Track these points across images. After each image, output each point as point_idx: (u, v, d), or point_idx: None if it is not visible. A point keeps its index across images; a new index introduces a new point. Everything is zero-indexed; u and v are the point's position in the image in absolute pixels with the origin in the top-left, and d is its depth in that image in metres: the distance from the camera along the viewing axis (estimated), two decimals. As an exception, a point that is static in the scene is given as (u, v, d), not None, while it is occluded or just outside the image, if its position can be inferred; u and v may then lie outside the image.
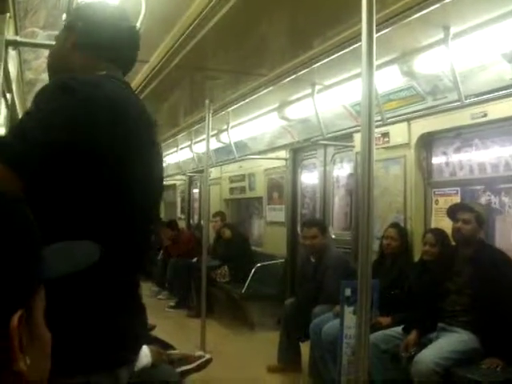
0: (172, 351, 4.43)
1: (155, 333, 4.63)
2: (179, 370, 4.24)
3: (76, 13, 1.80)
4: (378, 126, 4.40)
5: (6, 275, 0.62)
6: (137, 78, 5.28)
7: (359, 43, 2.71)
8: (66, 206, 1.43)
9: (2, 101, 3.59)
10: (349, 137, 5.89)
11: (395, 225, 4.98)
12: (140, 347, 1.72)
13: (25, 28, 3.85)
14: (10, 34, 3.20)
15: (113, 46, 1.75)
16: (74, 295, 1.38)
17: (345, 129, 5.75)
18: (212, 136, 6.95)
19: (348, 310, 3.95)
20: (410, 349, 3.93)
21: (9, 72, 3.62)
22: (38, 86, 5.92)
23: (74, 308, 1.40)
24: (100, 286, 1.46)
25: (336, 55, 4.10)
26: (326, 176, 6.87)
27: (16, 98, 4.70)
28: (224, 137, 8.10)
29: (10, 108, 4.50)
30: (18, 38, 3.37)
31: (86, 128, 1.44)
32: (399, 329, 4.17)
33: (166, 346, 4.35)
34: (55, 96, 1.45)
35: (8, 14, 3.08)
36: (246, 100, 5.89)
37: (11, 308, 0.62)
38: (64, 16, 3.21)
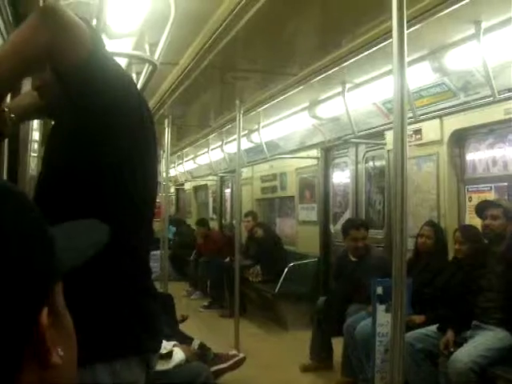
0: (205, 350, 4.46)
1: (189, 332, 4.66)
2: (213, 368, 4.27)
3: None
4: (409, 123, 4.38)
5: (27, 275, 0.62)
6: (167, 80, 5.32)
7: (390, 40, 2.69)
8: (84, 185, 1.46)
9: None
10: (380, 135, 5.86)
11: (431, 223, 4.92)
12: (161, 335, 1.74)
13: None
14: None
15: None
16: (94, 283, 1.40)
17: (376, 127, 5.73)
18: (243, 136, 6.96)
19: (380, 308, 3.93)
20: (449, 348, 3.89)
21: (42, 77, 3.67)
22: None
23: (96, 295, 1.42)
24: (120, 274, 1.48)
25: (366, 53, 4.08)
26: (357, 174, 6.84)
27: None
28: (255, 137, 8.11)
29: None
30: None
31: None
32: (434, 328, 4.13)
33: (200, 345, 4.39)
34: None
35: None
36: (277, 99, 5.89)
37: (38, 306, 0.63)
38: (94, 20, 3.25)
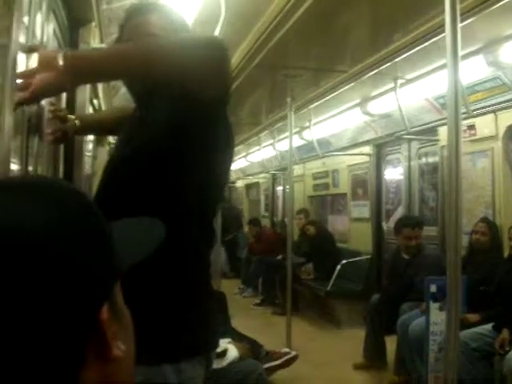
0: (258, 348, 4.48)
1: (241, 329, 4.69)
2: (266, 366, 4.28)
3: (180, 27, 1.79)
4: (463, 119, 4.31)
5: (89, 273, 0.63)
6: (219, 78, 5.35)
7: (443, 34, 2.66)
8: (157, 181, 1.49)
9: (90, 107, 3.73)
10: (433, 130, 5.78)
11: (485, 219, 4.84)
12: (219, 332, 1.77)
13: (110, 35, 3.98)
14: (95, 43, 3.32)
15: None
16: (160, 278, 1.43)
17: (429, 122, 5.65)
18: (295, 133, 6.96)
19: (434, 307, 3.88)
20: (505, 347, 3.82)
21: (95, 78, 3.74)
22: (123, 90, 6.10)
23: (163, 296, 1.45)
24: (188, 270, 1.51)
25: (418, 48, 4.03)
26: (410, 171, 6.76)
27: (102, 103, 4.86)
28: (306, 134, 8.09)
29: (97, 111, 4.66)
30: (104, 46, 3.50)
31: None
32: (489, 326, 4.06)
33: (252, 342, 4.41)
34: None
35: (93, 23, 3.19)
36: (328, 97, 5.87)
37: (99, 303, 0.65)
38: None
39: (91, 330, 0.64)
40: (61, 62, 1.29)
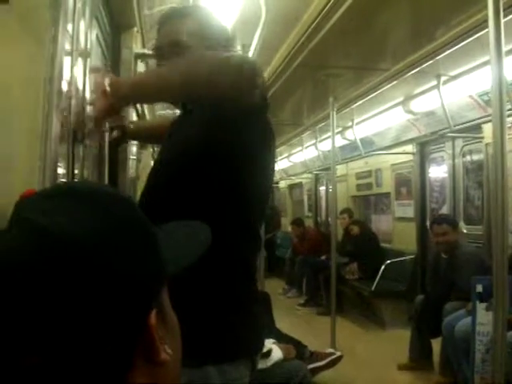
0: (302, 348, 4.48)
1: (285, 330, 4.69)
2: (310, 366, 4.28)
3: (216, 29, 1.81)
4: (508, 116, 4.21)
5: (137, 279, 0.65)
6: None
7: (486, 30, 2.62)
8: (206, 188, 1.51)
9: (133, 111, 3.78)
10: (477, 128, 5.69)
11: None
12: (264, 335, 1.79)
13: (152, 39, 4.03)
14: (137, 48, 3.37)
15: None
16: (206, 282, 1.45)
17: (473, 120, 5.57)
18: (337, 133, 6.93)
19: (481, 307, 3.82)
20: None
21: (139, 83, 3.79)
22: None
23: (209, 299, 1.47)
24: (233, 274, 1.53)
25: (461, 44, 3.98)
26: (454, 169, 6.66)
27: (145, 107, 4.91)
28: (349, 133, 8.06)
29: (141, 117, 4.72)
30: (146, 51, 3.54)
31: None
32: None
33: (297, 343, 4.41)
34: None
35: (135, 29, 3.24)
36: (370, 96, 5.84)
37: (147, 308, 0.66)
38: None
39: (140, 335, 0.65)
40: (108, 88, 1.40)
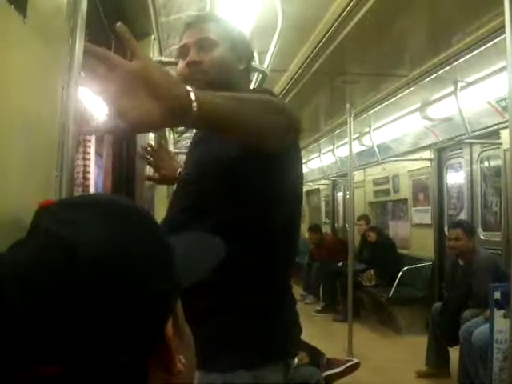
0: (319, 355, 4.47)
1: (302, 336, 4.68)
2: (327, 373, 4.27)
3: (237, 39, 1.78)
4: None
5: (154, 291, 0.65)
6: (277, 86, 5.39)
7: (503, 36, 2.62)
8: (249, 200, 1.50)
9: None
10: (495, 133, 5.66)
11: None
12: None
13: (169, 47, 4.05)
14: (155, 56, 3.40)
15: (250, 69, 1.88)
16: (240, 289, 1.46)
17: (491, 126, 5.54)
18: (354, 139, 6.93)
19: (498, 314, 3.80)
20: None
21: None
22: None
23: (248, 305, 1.47)
24: (269, 279, 1.53)
25: (478, 50, 3.97)
26: (472, 175, 6.62)
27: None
28: (366, 140, 8.05)
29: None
30: (163, 59, 3.56)
31: None
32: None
33: (313, 349, 4.40)
34: None
35: (152, 37, 3.27)
36: (387, 102, 5.84)
37: (163, 319, 0.68)
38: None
39: (157, 345, 0.67)
40: (192, 97, 1.00)
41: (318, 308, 8.82)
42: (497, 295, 3.81)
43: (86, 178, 3.59)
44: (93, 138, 3.73)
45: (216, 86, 1.62)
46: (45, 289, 0.59)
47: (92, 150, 3.72)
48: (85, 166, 3.56)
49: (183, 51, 1.72)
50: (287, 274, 1.66)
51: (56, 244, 0.62)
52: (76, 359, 0.59)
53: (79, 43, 1.31)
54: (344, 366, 4.61)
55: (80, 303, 0.59)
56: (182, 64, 1.71)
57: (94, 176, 3.92)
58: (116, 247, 0.64)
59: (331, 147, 9.30)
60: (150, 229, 0.72)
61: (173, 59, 4.24)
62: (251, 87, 4.57)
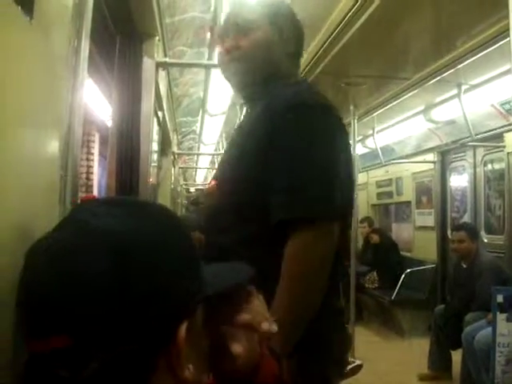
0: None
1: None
2: None
3: (281, 19, 1.69)
4: (530, 125, 4.21)
5: (175, 288, 0.68)
6: (281, 87, 5.39)
7: (507, 39, 2.61)
8: None
9: (155, 119, 3.82)
10: (499, 136, 5.65)
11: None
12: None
13: (173, 48, 4.06)
14: (159, 56, 3.40)
15: (302, 46, 1.78)
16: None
17: (495, 129, 5.54)
18: (358, 141, 6.92)
19: (501, 317, 3.78)
20: None
21: (159, 91, 3.83)
22: (186, 102, 6.20)
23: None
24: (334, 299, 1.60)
25: (482, 53, 3.97)
26: (475, 178, 6.62)
27: (166, 115, 4.95)
28: (370, 142, 8.04)
29: (162, 125, 4.76)
30: (168, 60, 3.57)
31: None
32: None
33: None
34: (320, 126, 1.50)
35: (157, 38, 3.27)
36: (391, 104, 5.82)
37: (179, 319, 0.68)
38: (208, 34, 3.35)
39: (168, 343, 0.67)
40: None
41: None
42: (499, 298, 3.80)
43: (89, 179, 3.60)
44: (97, 139, 3.74)
45: (259, 72, 1.63)
46: (72, 266, 0.63)
47: (96, 150, 3.73)
48: (88, 166, 3.57)
49: (221, 37, 1.68)
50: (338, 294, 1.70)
51: (89, 231, 0.66)
52: (86, 332, 0.61)
53: (85, 44, 1.32)
54: (346, 368, 4.61)
55: (103, 284, 0.62)
56: (220, 49, 1.68)
57: (98, 177, 3.93)
58: (144, 240, 0.68)
59: (335, 149, 9.28)
60: (180, 230, 0.75)
61: (177, 60, 4.26)
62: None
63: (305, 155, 1.41)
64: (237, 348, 0.81)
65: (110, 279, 0.62)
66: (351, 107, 5.87)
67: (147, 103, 3.16)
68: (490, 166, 6.39)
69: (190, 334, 0.69)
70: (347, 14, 3.51)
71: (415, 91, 5.22)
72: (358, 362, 4.77)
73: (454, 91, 5.30)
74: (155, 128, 4.37)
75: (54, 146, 1.18)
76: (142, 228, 0.69)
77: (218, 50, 1.72)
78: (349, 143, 1.66)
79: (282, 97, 1.50)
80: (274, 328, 0.82)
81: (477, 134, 5.57)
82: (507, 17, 2.49)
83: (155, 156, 4.80)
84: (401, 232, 9.07)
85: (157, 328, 0.65)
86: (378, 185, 9.45)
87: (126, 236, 0.66)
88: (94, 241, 0.65)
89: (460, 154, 6.98)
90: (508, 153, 5.45)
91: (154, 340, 0.65)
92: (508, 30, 2.50)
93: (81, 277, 0.62)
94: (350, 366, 4.63)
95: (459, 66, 4.32)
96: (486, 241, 6.13)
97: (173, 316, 0.67)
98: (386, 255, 7.94)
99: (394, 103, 5.75)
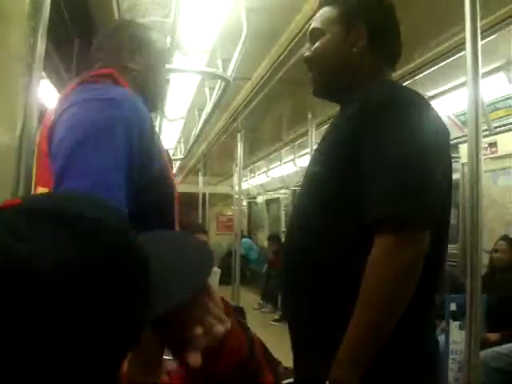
0: (276, 364, 4.46)
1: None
2: (285, 382, 4.25)
3: (358, 11, 1.58)
4: (484, 136, 4.29)
5: (116, 326, 0.59)
6: (240, 94, 5.39)
7: (463, 52, 2.66)
8: None
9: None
10: (455, 147, 5.75)
11: (506, 237, 4.80)
12: None
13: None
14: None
15: (394, 45, 1.66)
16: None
17: (450, 140, 5.63)
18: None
19: (454, 325, 3.84)
20: None
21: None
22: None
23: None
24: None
25: (439, 65, 4.03)
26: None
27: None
28: (327, 150, 8.08)
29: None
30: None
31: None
32: (510, 346, 4.01)
33: (271, 359, 4.39)
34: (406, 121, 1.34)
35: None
36: (348, 113, 5.87)
37: (122, 356, 0.62)
38: (168, 38, 3.32)
39: (109, 380, 0.61)
40: None
41: (276, 317, 8.79)
42: (453, 306, 3.86)
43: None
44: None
45: (332, 79, 1.57)
46: None
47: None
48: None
49: (310, 38, 1.65)
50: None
51: (13, 261, 0.54)
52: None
53: (41, 43, 1.29)
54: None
55: (17, 331, 0.52)
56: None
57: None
58: (75, 269, 0.56)
59: (292, 157, 9.33)
60: (122, 249, 0.62)
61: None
62: (215, 95, 4.56)
63: (397, 154, 1.28)
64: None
65: (32, 324, 0.53)
66: (309, 115, 5.91)
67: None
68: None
69: (136, 354, 0.66)
70: (306, 22, 3.52)
71: (372, 100, 5.28)
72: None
73: (411, 101, 5.36)
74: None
75: (6, 146, 1.16)
76: (71, 252, 0.56)
77: None
78: (448, 141, 1.53)
79: (366, 96, 1.42)
80: (228, 325, 0.72)
81: (432, 145, 5.65)
82: (463, 30, 2.54)
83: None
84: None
85: (98, 370, 0.58)
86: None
87: (55, 271, 0.54)
88: (20, 278, 0.53)
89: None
90: (463, 163, 5.54)
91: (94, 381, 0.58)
92: (464, 43, 2.55)
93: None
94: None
95: (416, 78, 4.38)
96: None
97: (109, 359, 0.60)
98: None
99: (352, 112, 5.79)
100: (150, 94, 1.72)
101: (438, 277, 1.46)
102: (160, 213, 1.50)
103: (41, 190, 1.39)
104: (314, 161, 1.59)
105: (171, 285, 0.68)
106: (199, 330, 0.68)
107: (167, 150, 1.81)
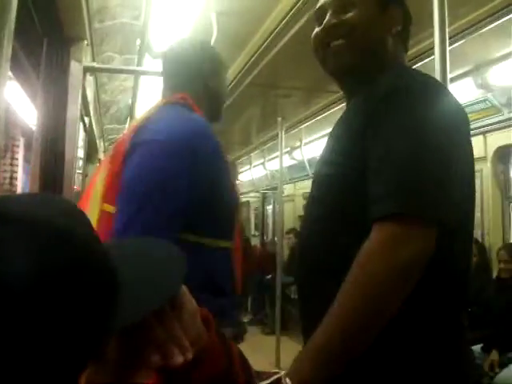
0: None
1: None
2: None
3: None
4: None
5: (82, 333, 0.58)
6: (210, 97, 5.38)
7: (432, 57, 2.68)
8: None
9: (81, 124, 3.73)
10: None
11: (474, 240, 4.85)
12: None
13: (102, 53, 3.99)
14: (87, 61, 3.33)
15: (408, 38, 1.54)
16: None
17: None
18: (285, 153, 6.97)
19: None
20: (495, 369, 3.82)
21: (86, 96, 3.75)
22: (113, 108, 6.11)
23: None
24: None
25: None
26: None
27: (93, 121, 4.86)
28: (297, 154, 8.11)
29: (88, 131, 4.66)
30: (95, 65, 3.50)
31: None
32: (478, 348, 4.06)
33: (248, 369, 4.38)
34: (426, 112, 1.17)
35: (85, 42, 3.20)
36: (319, 117, 5.89)
37: (81, 366, 0.61)
38: (138, 40, 3.31)
39: None
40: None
41: (246, 320, 8.80)
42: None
43: (12, 185, 3.49)
44: (21, 144, 3.63)
45: (359, 53, 1.40)
46: None
47: (20, 155, 3.62)
48: (12, 171, 3.46)
49: (319, 15, 1.49)
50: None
51: None
52: None
53: (7, 43, 1.27)
54: (272, 378, 4.61)
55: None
56: (318, 30, 1.49)
57: (22, 183, 3.82)
58: (38, 284, 0.54)
59: (262, 160, 9.35)
60: (85, 260, 0.60)
61: (106, 66, 4.20)
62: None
63: (407, 143, 1.15)
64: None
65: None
66: (279, 119, 5.92)
67: (73, 108, 3.09)
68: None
69: (97, 364, 0.65)
70: (276, 27, 3.54)
71: (342, 105, 5.30)
72: (282, 373, 4.77)
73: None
74: (81, 134, 4.28)
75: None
76: (26, 261, 0.54)
77: (316, 28, 1.50)
78: (468, 127, 1.32)
79: (381, 82, 1.28)
80: (189, 356, 0.68)
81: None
82: (432, 35, 2.57)
83: (81, 163, 4.70)
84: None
85: (56, 380, 0.56)
86: (305, 196, 9.53)
87: (13, 281, 0.53)
88: None
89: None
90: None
91: None
92: (432, 48, 2.57)
93: None
94: (274, 377, 4.63)
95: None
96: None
97: (74, 368, 0.59)
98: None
99: (322, 116, 5.83)
100: (221, 105, 2.06)
101: (465, 278, 1.28)
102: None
103: (106, 206, 1.61)
104: (322, 161, 1.43)
105: (140, 295, 0.66)
106: (155, 357, 0.66)
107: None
